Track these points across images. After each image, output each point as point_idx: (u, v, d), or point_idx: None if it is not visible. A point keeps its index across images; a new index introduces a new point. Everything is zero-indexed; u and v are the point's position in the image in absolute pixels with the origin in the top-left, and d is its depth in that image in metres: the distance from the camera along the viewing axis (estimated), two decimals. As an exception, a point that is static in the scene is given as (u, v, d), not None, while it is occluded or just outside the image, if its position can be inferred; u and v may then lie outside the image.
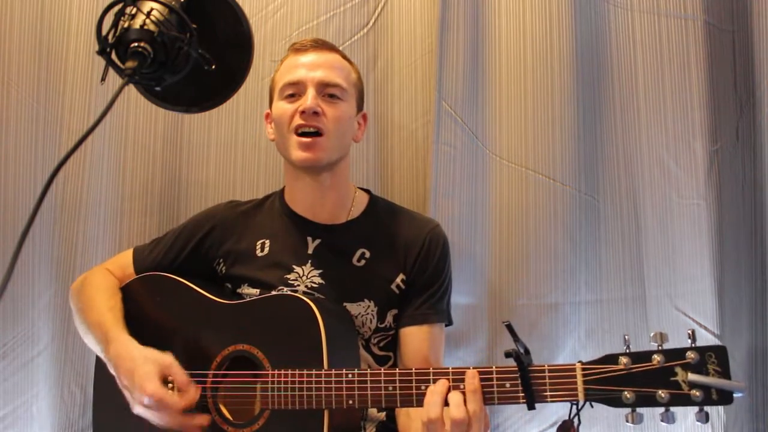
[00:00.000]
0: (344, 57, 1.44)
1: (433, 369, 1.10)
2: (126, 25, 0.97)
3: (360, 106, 1.46)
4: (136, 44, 0.96)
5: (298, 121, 1.33)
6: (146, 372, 1.17)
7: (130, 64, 0.95)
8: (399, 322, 1.39)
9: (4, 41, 1.71)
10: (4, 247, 1.69)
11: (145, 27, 0.96)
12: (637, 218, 1.66)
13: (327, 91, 1.35)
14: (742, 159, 1.67)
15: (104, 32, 0.99)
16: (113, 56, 0.99)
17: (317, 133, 1.32)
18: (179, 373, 1.19)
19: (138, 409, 1.19)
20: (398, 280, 1.39)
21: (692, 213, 1.64)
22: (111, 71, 0.99)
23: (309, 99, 1.32)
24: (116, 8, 1.00)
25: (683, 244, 1.64)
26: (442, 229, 1.45)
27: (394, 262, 1.39)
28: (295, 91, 1.35)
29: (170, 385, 1.19)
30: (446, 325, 1.44)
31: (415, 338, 1.37)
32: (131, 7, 0.98)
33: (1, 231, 1.69)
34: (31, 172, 1.70)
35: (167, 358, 1.20)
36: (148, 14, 0.97)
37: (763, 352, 1.61)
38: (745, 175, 1.67)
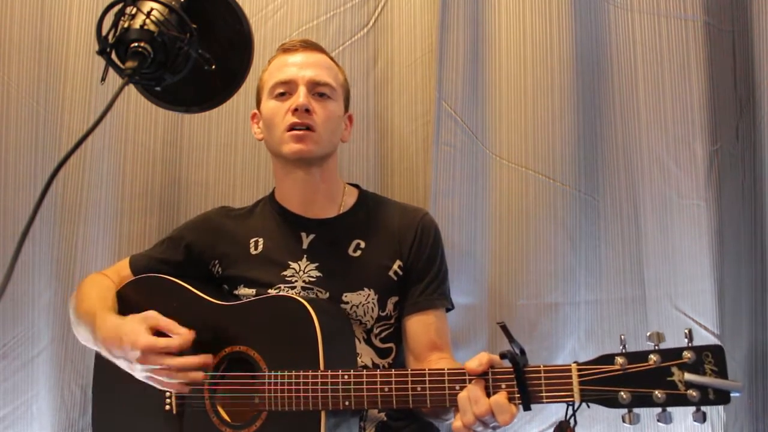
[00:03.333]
0: (330, 56, 1.47)
1: (428, 370, 1.10)
2: (126, 25, 0.97)
3: (346, 107, 1.48)
4: (136, 44, 0.96)
5: (290, 119, 1.35)
6: (132, 329, 1.20)
7: (130, 64, 0.95)
8: (402, 312, 1.40)
9: (4, 41, 1.71)
10: (4, 247, 1.69)
11: (145, 27, 0.96)
12: (637, 218, 1.66)
13: (317, 89, 1.38)
14: (742, 159, 1.67)
15: (104, 32, 0.99)
16: (113, 56, 0.99)
17: (309, 129, 1.35)
18: (164, 320, 1.21)
19: (140, 373, 1.21)
20: (395, 266, 1.40)
21: (692, 213, 1.64)
22: (111, 71, 0.99)
23: (301, 96, 1.35)
24: (116, 8, 1.00)
25: (683, 245, 1.64)
26: (432, 217, 1.48)
27: (390, 250, 1.40)
28: (285, 90, 1.38)
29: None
30: (448, 310, 1.45)
31: (420, 325, 1.38)
32: (131, 7, 0.98)
33: (1, 231, 1.69)
34: (31, 172, 1.70)
35: (149, 312, 1.23)
36: (148, 14, 0.97)
37: (763, 352, 1.61)
38: (745, 175, 1.66)
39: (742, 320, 1.63)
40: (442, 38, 1.67)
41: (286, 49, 1.42)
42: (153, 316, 1.23)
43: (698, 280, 1.62)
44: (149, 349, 1.17)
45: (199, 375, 1.20)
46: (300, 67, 1.38)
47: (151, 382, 1.22)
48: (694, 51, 1.65)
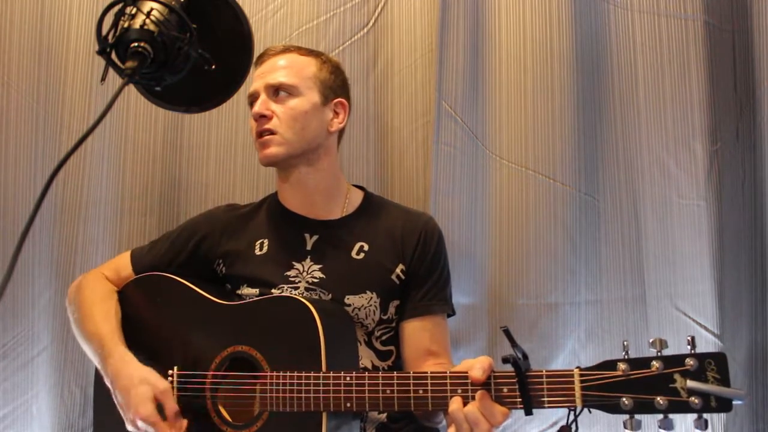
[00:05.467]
0: (304, 52, 1.44)
1: (430, 373, 1.10)
2: (126, 25, 0.98)
3: (328, 96, 1.42)
4: (136, 44, 0.96)
5: (254, 129, 1.40)
6: (142, 394, 1.20)
7: (130, 64, 0.95)
8: (401, 315, 1.40)
9: (4, 41, 1.71)
10: (4, 247, 1.69)
11: (145, 27, 0.96)
12: (637, 218, 1.66)
13: (276, 90, 1.40)
14: (742, 159, 1.67)
15: (104, 32, 0.99)
16: (113, 56, 0.99)
17: (271, 132, 1.38)
18: (170, 404, 1.21)
19: (130, 427, 1.23)
20: (398, 270, 1.39)
21: (692, 213, 1.64)
22: (111, 71, 0.99)
23: (257, 105, 1.39)
24: (116, 8, 1.00)
25: (683, 245, 1.64)
26: (436, 222, 1.48)
27: (393, 253, 1.40)
28: (252, 101, 1.42)
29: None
30: (449, 316, 1.45)
31: (417, 331, 1.38)
32: (131, 7, 0.98)
33: (1, 231, 1.69)
34: (31, 172, 1.71)
35: (163, 384, 1.23)
36: (148, 14, 0.97)
37: (764, 352, 1.61)
38: (745, 175, 1.66)
39: (742, 320, 1.63)
40: (442, 38, 1.67)
41: (257, 63, 1.44)
42: (164, 391, 1.22)
43: (698, 280, 1.62)
44: (145, 421, 1.19)
45: None
46: (261, 76, 1.41)
47: None
48: (694, 51, 1.65)
